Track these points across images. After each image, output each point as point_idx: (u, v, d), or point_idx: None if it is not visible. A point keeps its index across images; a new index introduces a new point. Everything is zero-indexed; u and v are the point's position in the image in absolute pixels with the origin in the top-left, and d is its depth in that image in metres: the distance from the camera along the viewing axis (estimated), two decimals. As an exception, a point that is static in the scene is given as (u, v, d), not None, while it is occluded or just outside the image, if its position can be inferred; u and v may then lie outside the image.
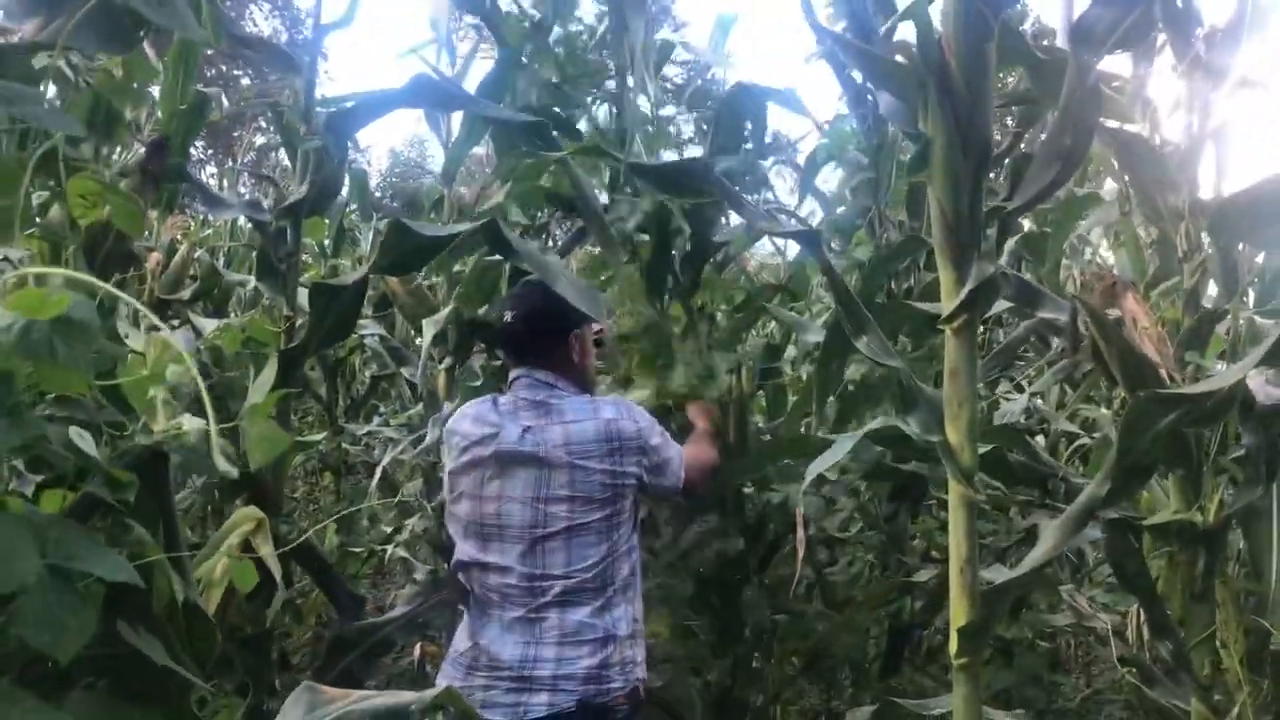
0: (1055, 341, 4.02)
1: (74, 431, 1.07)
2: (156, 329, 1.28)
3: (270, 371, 1.24)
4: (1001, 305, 2.84)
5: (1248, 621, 2.37)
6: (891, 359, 2.07)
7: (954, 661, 1.94)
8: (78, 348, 0.96)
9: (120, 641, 1.09)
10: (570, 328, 2.64)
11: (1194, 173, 2.41)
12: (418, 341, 4.70)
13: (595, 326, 2.72)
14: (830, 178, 5.02)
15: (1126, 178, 2.61)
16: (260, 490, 2.73)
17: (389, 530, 5.18)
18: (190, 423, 1.14)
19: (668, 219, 2.94)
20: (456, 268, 4.88)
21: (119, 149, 2.71)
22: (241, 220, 6.82)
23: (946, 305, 2.04)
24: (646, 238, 3.06)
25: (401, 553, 4.43)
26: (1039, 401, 4.81)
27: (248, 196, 3.72)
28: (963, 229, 2.03)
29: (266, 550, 2.31)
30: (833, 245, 3.70)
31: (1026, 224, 5.24)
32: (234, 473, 1.35)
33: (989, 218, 2.16)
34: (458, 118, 4.12)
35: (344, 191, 5.51)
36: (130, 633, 1.08)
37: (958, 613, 1.94)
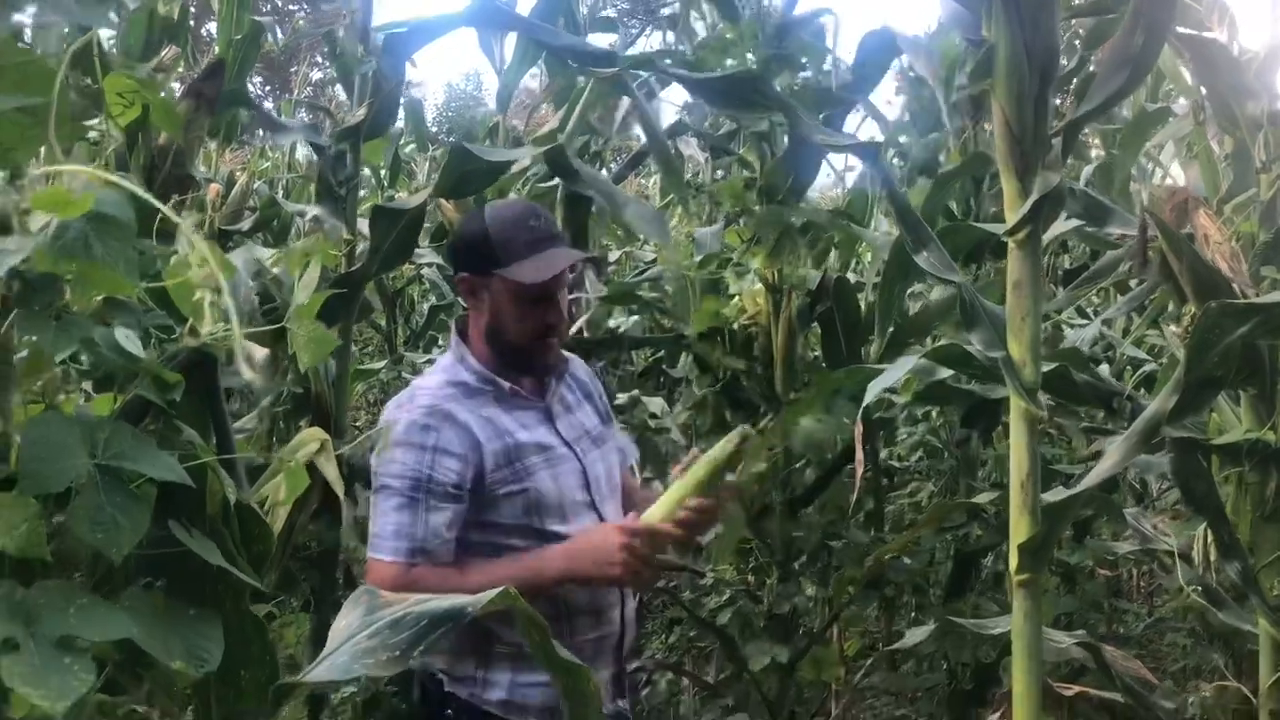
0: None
1: (120, 333, 1.07)
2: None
3: (315, 271, 1.23)
4: (1069, 224, 2.77)
5: (1319, 543, 2.31)
6: (953, 274, 2.03)
7: (1014, 578, 1.91)
8: (114, 246, 0.96)
9: (174, 543, 1.10)
10: (461, 269, 2.16)
11: (1273, 80, 2.31)
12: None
13: (531, 279, 2.06)
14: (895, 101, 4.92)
15: (1202, 87, 2.51)
16: (322, 413, 2.76)
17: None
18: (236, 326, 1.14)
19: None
20: (511, 194, 4.87)
21: (177, 69, 2.72)
22: (300, 153, 6.88)
23: (1010, 217, 1.98)
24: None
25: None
26: (1106, 329, 4.71)
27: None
28: (1027, 138, 1.97)
29: (331, 470, 2.34)
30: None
31: (1097, 152, 5.09)
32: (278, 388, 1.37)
33: (1055, 129, 2.09)
34: (511, 43, 4.08)
35: (399, 122, 5.51)
36: (183, 533, 1.09)
37: (1018, 529, 1.91)
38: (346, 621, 1.41)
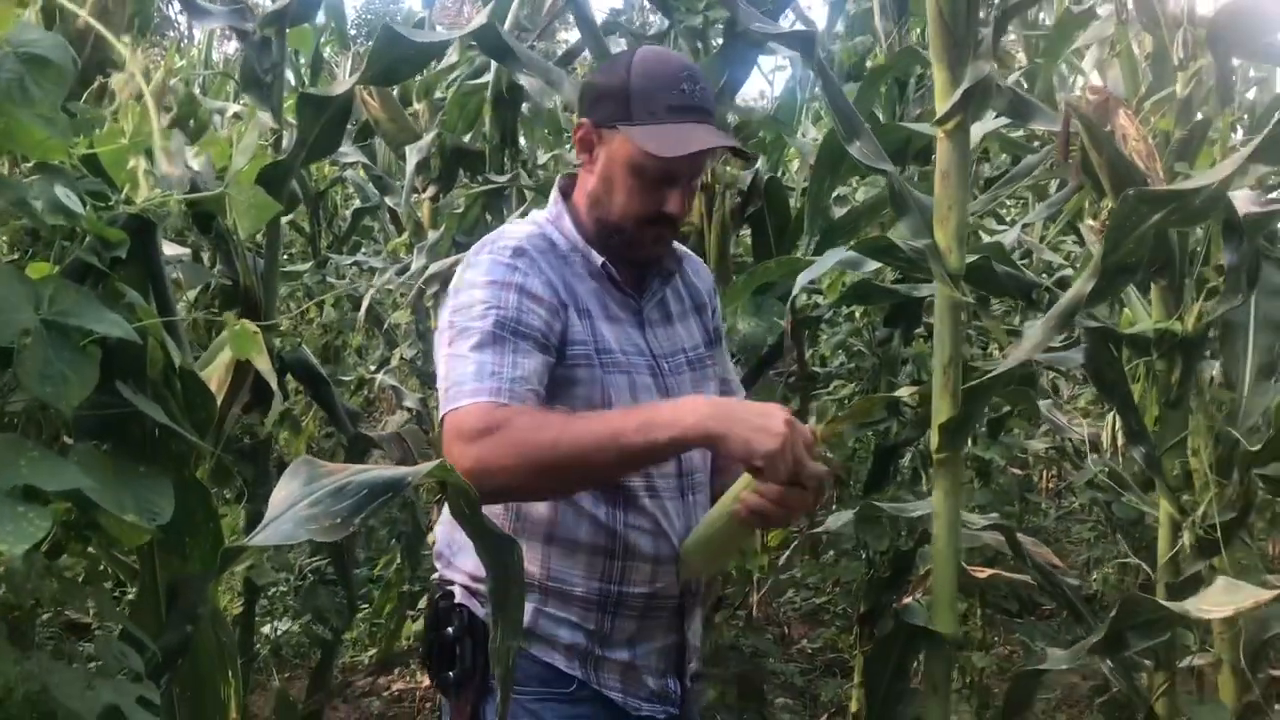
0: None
1: (60, 191, 1.06)
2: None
3: (253, 136, 1.23)
4: (995, 122, 2.83)
5: (1219, 428, 2.44)
6: (884, 163, 2.07)
7: (934, 457, 2.00)
8: (51, 90, 0.95)
9: (120, 404, 1.10)
10: (584, 113, 1.84)
11: (1193, -22, 2.36)
12: (403, 177, 4.65)
13: (658, 149, 1.72)
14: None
15: (1125, -14, 2.56)
16: (252, 305, 2.74)
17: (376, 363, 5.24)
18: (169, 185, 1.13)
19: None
20: (439, 94, 4.80)
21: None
22: (216, 52, 6.65)
23: (941, 106, 2.03)
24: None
25: (391, 381, 4.48)
26: (1025, 235, 4.84)
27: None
28: (959, 28, 2.01)
29: (262, 362, 2.33)
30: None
31: (1022, 57, 5.15)
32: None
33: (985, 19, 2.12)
34: (438, -67, 3.98)
35: (320, 19, 5.35)
36: (130, 392, 1.10)
37: (940, 409, 1.99)
38: (286, 491, 1.40)
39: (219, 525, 1.31)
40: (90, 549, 1.22)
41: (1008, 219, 5.40)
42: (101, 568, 1.43)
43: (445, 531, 1.91)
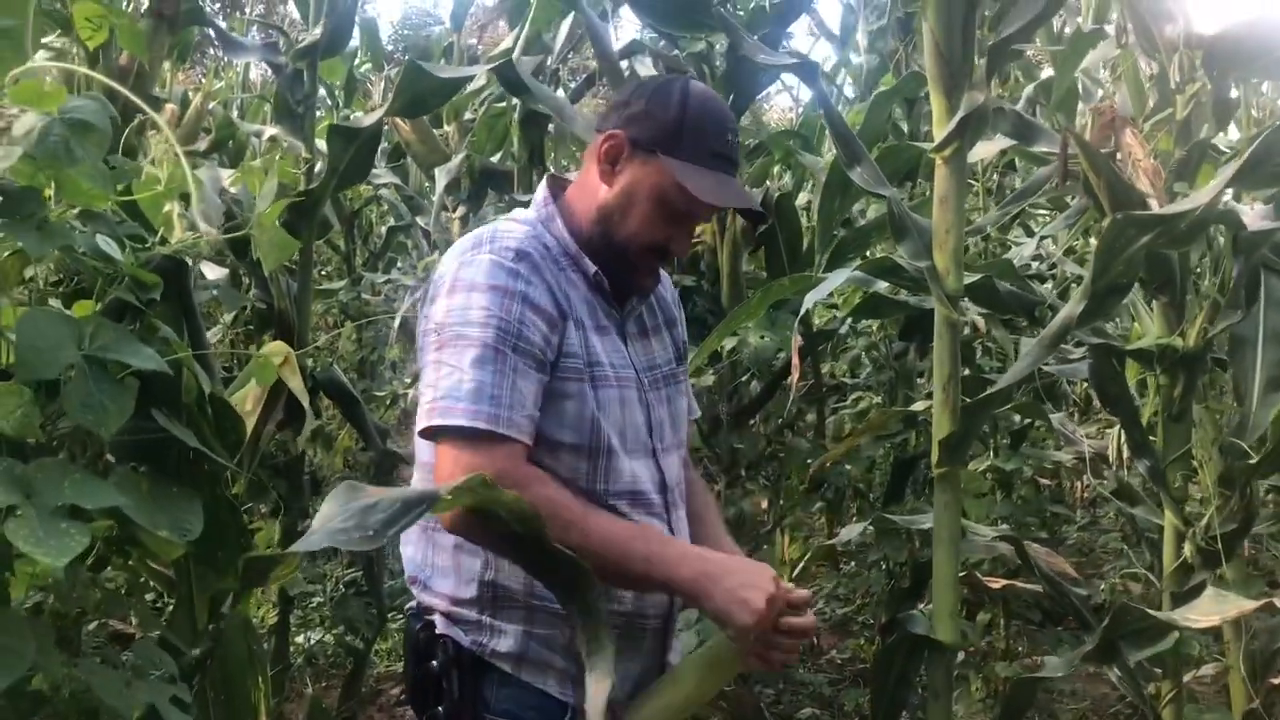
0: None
1: (100, 239, 1.17)
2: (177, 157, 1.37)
3: (274, 182, 1.33)
4: (1005, 143, 2.89)
5: (1224, 441, 2.48)
6: (883, 188, 2.15)
7: (935, 471, 2.07)
8: (92, 150, 1.06)
9: (155, 429, 1.21)
10: (621, 125, 1.74)
11: (1187, 4, 2.43)
12: (433, 197, 4.77)
13: (700, 192, 1.68)
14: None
15: (1125, 9, 2.62)
16: (285, 327, 2.85)
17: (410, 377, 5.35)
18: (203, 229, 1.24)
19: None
20: (468, 115, 4.93)
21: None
22: (254, 73, 6.83)
23: (938, 133, 2.10)
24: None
25: (423, 396, 4.59)
26: (1050, 245, 4.88)
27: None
28: (955, 59, 2.08)
29: (295, 382, 2.43)
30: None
31: (1046, 73, 5.20)
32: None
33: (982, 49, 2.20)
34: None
35: (355, 40, 5.50)
36: (164, 419, 1.21)
37: (940, 426, 2.06)
38: (328, 511, 1.50)
39: (249, 539, 1.41)
40: (130, 563, 1.33)
41: (1037, 230, 5.43)
42: (142, 580, 1.54)
43: (417, 553, 1.78)
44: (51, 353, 1.06)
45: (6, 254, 1.29)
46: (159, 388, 1.22)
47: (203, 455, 1.27)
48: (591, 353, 1.71)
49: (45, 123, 1.06)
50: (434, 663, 1.69)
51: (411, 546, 1.78)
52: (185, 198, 1.43)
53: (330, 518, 1.47)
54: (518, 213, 1.84)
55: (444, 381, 1.60)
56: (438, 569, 1.73)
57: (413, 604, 1.80)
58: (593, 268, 1.75)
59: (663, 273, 1.92)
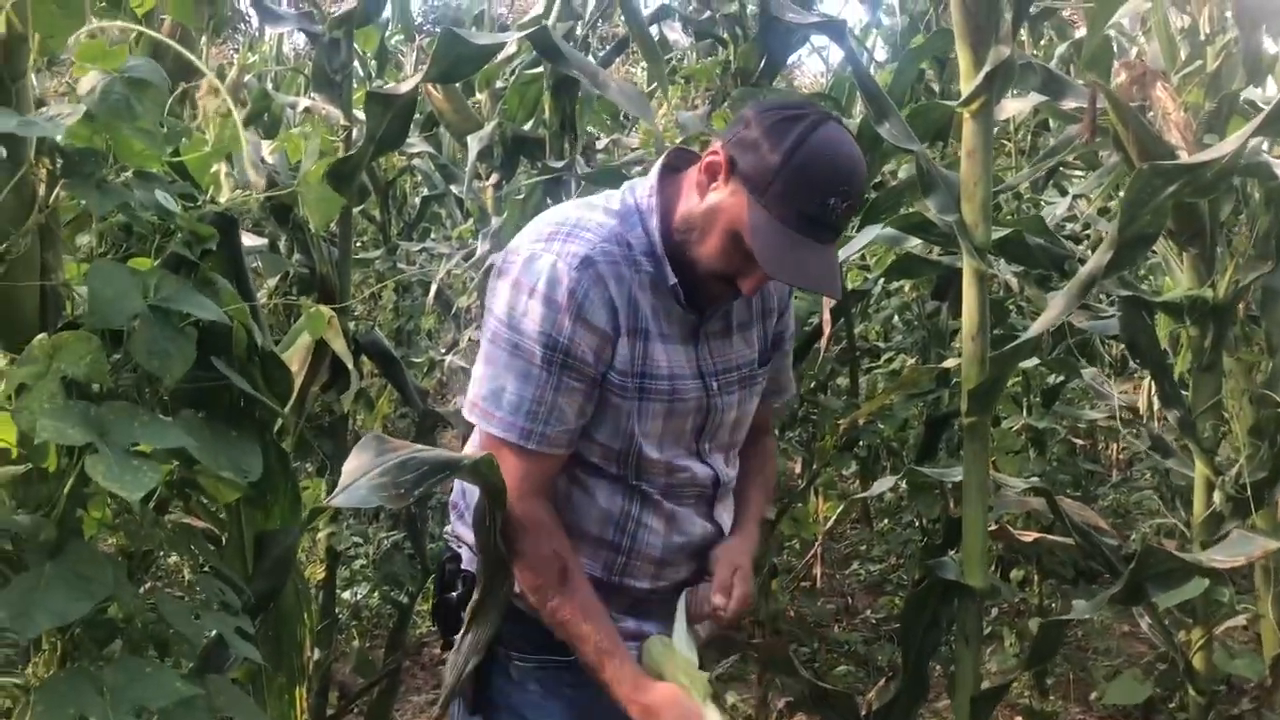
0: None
1: (159, 194, 1.24)
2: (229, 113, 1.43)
3: (316, 143, 1.39)
4: (1035, 100, 2.90)
5: (1254, 391, 2.51)
6: (912, 143, 2.18)
7: (964, 421, 2.11)
8: (151, 106, 1.12)
9: (209, 378, 1.28)
10: (732, 149, 1.64)
11: (1219, -47, 2.43)
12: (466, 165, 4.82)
13: (767, 264, 1.61)
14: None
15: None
16: (328, 292, 2.92)
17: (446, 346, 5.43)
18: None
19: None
20: (499, 83, 4.96)
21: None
22: (286, 47, 6.90)
23: (965, 88, 2.12)
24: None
25: (460, 362, 4.67)
26: (1083, 205, 4.87)
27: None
28: (981, 13, 2.09)
29: (339, 344, 2.50)
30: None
31: (1080, 33, 5.16)
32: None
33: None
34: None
35: (387, 10, 5.54)
36: (223, 365, 1.27)
37: (969, 377, 2.10)
38: (358, 462, 1.60)
39: (296, 484, 1.48)
40: (190, 504, 1.40)
41: (1070, 189, 5.41)
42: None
43: (461, 483, 1.86)
44: (119, 302, 1.13)
45: (69, 216, 1.37)
46: (214, 338, 1.29)
47: (254, 403, 1.34)
48: (649, 364, 1.70)
49: (107, 81, 1.12)
50: (454, 594, 1.79)
51: None
52: (231, 159, 1.50)
53: (366, 469, 1.56)
54: (621, 195, 1.77)
55: (489, 384, 1.68)
56: (469, 505, 1.79)
57: (449, 529, 1.91)
58: (672, 279, 1.70)
59: None
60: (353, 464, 1.60)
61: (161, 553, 1.37)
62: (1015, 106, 2.80)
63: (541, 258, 1.66)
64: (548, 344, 1.63)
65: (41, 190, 1.26)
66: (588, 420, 1.70)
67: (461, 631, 1.69)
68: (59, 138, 1.24)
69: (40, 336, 1.11)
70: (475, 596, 1.69)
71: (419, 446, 1.65)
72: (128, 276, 1.15)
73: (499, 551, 1.65)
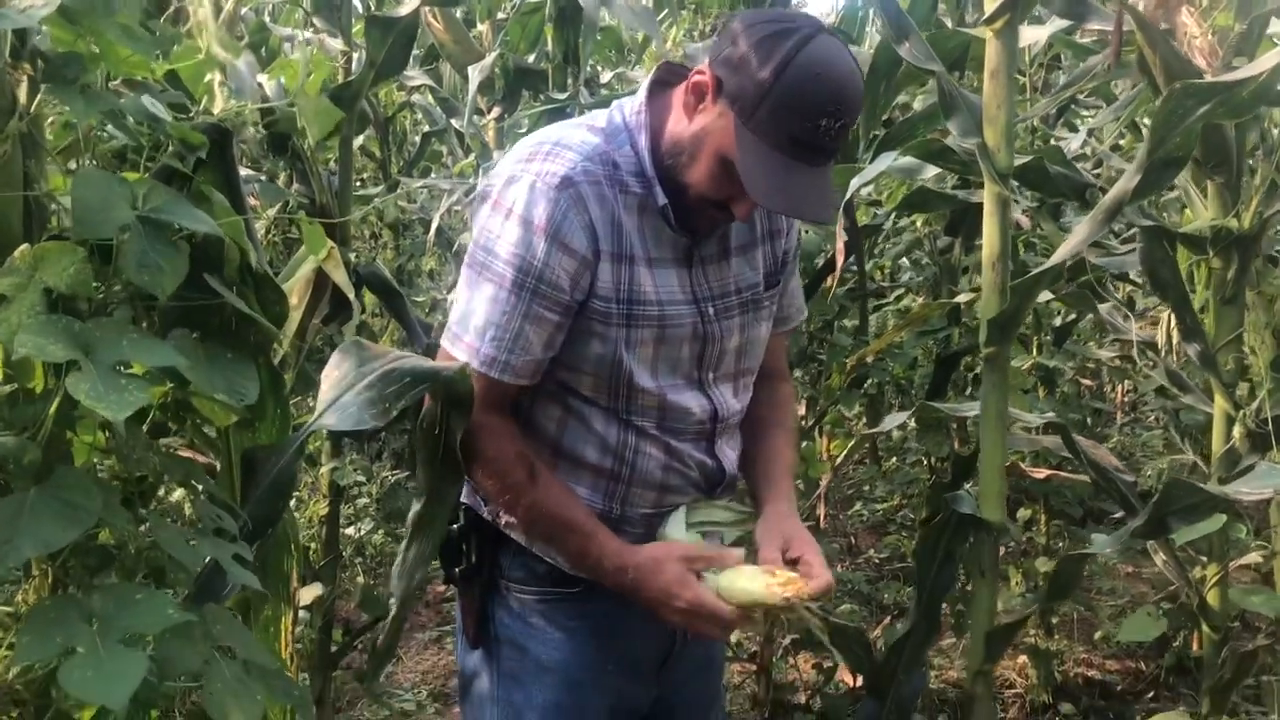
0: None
1: (147, 100, 1.17)
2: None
3: (311, 56, 1.32)
4: (1057, 25, 2.80)
5: (1276, 324, 2.45)
6: (933, 63, 2.10)
7: (983, 351, 2.05)
8: (132, 1, 1.05)
9: (201, 296, 1.22)
10: (718, 68, 1.55)
11: None
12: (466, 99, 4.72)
13: (755, 190, 1.52)
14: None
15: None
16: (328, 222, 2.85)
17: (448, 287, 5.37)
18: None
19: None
20: (500, 14, 4.85)
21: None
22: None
23: (989, 5, 2.04)
24: None
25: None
26: (1096, 141, 4.77)
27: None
28: (1006, -74, 2.00)
29: (339, 275, 2.44)
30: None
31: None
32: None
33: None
34: None
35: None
36: (217, 283, 1.21)
37: (989, 305, 2.04)
38: (340, 371, 1.54)
39: (287, 403, 1.43)
40: (186, 426, 1.35)
41: (1081, 127, 5.32)
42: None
43: None
44: (106, 212, 1.07)
45: (52, 122, 1.30)
46: (207, 254, 1.22)
47: (248, 324, 1.28)
48: (635, 290, 1.63)
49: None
50: (454, 526, 1.76)
51: None
52: (224, 69, 1.43)
53: (350, 382, 1.50)
54: (609, 113, 1.68)
55: (462, 302, 1.64)
56: None
57: None
58: (663, 199, 1.62)
59: None
60: (335, 373, 1.54)
61: (163, 488, 1.32)
62: (1036, 34, 2.72)
63: (520, 179, 1.60)
64: (521, 267, 1.58)
65: (24, 97, 1.19)
66: (556, 352, 1.65)
67: (404, 544, 1.64)
68: (40, 41, 1.18)
69: (23, 246, 1.05)
70: (417, 507, 1.63)
71: (399, 354, 1.58)
72: (115, 185, 1.08)
73: (452, 457, 1.59)
